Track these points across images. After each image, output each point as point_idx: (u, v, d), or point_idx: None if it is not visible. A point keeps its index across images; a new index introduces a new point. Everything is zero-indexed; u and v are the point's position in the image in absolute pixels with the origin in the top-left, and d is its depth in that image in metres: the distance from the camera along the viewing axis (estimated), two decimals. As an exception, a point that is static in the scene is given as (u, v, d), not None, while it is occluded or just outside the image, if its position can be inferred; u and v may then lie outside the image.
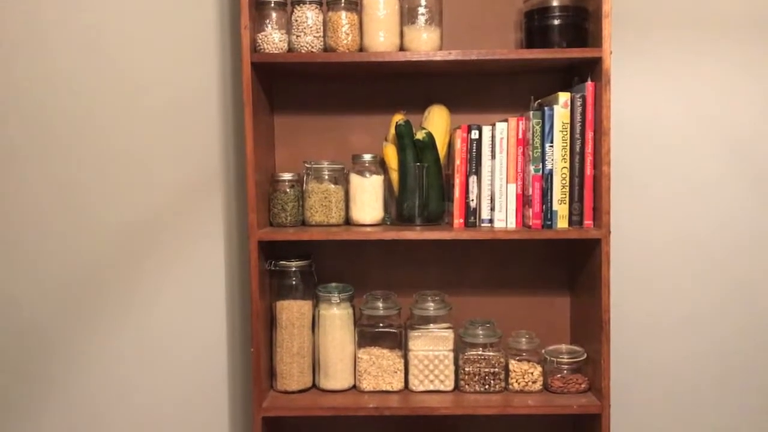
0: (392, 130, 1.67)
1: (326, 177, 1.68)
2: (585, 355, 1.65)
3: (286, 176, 1.68)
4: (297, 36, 1.61)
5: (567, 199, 1.59)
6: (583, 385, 1.64)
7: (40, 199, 1.81)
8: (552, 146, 1.58)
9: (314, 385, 1.69)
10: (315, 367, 1.69)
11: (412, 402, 1.61)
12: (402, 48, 1.62)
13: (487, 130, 1.62)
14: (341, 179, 1.70)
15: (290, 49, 1.61)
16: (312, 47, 1.60)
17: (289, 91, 1.78)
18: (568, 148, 1.59)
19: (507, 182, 1.62)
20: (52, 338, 1.83)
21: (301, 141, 1.78)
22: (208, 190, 1.82)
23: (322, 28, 1.61)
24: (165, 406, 1.84)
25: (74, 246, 1.82)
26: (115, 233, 1.82)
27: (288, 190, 1.67)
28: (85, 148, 1.81)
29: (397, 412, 1.60)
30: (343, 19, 1.59)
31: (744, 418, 1.85)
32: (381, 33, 1.60)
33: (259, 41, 1.59)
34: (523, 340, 1.69)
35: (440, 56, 1.56)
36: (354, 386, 1.68)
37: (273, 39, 1.59)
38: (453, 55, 1.55)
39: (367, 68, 1.66)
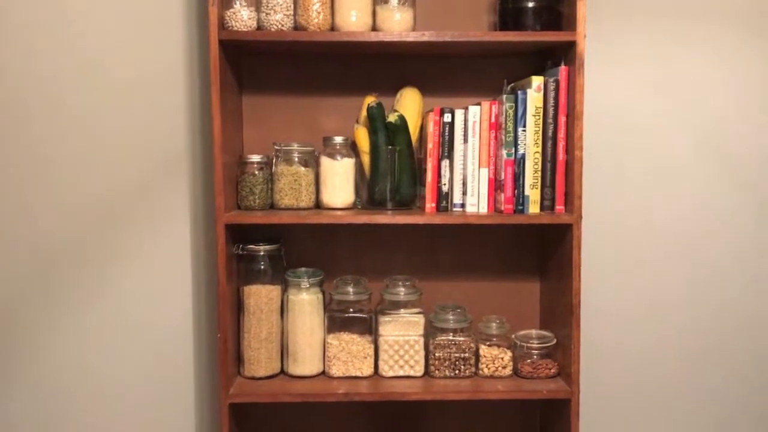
0: (364, 113, 1.64)
1: (296, 159, 1.65)
2: (555, 341, 1.66)
3: (255, 158, 1.64)
4: (266, 14, 1.56)
5: (539, 184, 1.58)
6: (552, 370, 1.64)
7: (3, 178, 1.75)
8: (525, 130, 1.57)
9: (282, 371, 1.67)
10: (283, 352, 1.67)
11: (382, 387, 1.60)
12: (374, 28, 1.58)
13: (459, 114, 1.60)
14: (311, 162, 1.66)
15: (259, 27, 1.57)
16: (282, 25, 1.56)
17: (257, 70, 1.73)
18: (540, 132, 1.57)
19: (479, 166, 1.61)
20: (16, 316, 1.77)
21: (270, 122, 1.74)
22: (174, 173, 1.77)
23: (292, 6, 1.57)
24: (130, 389, 1.80)
25: (39, 226, 1.76)
26: (80, 214, 1.77)
27: (257, 172, 1.63)
28: (48, 127, 1.75)
29: (367, 398, 1.58)
30: (314, -4, 1.54)
31: (713, 402, 1.88)
32: (353, 12, 1.56)
33: (227, 18, 1.54)
34: (494, 325, 1.68)
35: (413, 37, 1.53)
36: (323, 372, 1.66)
37: (241, 16, 1.54)
38: (426, 36, 1.52)
39: (339, 48, 1.63)
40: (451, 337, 1.64)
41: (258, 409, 1.75)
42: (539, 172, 1.58)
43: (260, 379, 1.63)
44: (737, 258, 1.85)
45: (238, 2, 1.55)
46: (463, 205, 1.62)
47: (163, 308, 1.79)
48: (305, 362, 1.65)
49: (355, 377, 1.64)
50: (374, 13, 1.58)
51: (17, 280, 1.77)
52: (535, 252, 1.78)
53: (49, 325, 1.78)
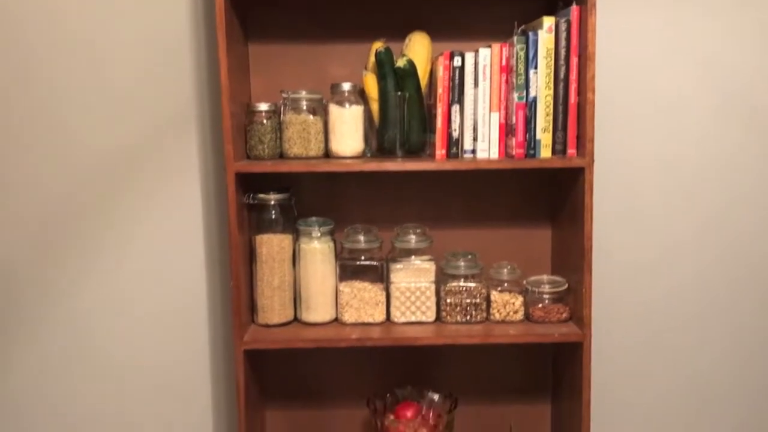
0: (372, 59, 1.62)
1: (304, 107, 1.63)
2: (566, 285, 1.66)
3: (263, 107, 1.63)
4: (271, -43, 1.53)
5: (551, 127, 1.56)
6: (564, 315, 1.65)
7: (12, 132, 1.75)
8: (536, 73, 1.55)
9: (296, 319, 1.68)
10: (296, 300, 1.68)
11: (394, 333, 1.62)
12: (381, -30, 1.55)
13: (469, 57, 1.57)
14: (320, 110, 1.65)
15: (264, -28, 1.54)
16: (287, -31, 1.53)
17: (263, 18, 1.71)
18: (552, 74, 1.55)
19: (490, 111, 1.58)
20: (28, 271, 1.79)
21: (277, 71, 1.72)
22: (183, 124, 1.77)
23: (297, -52, 1.54)
24: (145, 340, 1.83)
25: (48, 180, 1.77)
26: (89, 167, 1.77)
27: (265, 121, 1.62)
28: (54, 81, 1.74)
29: (379, 343, 1.60)
30: (320, -62, 1.51)
31: (723, 348, 1.88)
32: (359, -46, 1.53)
33: (231, -37, 1.52)
34: (505, 271, 1.68)
35: (421, -22, 1.50)
36: (336, 319, 1.68)
37: (246, -40, 1.52)
38: (434, -23, 1.49)
39: (346, -8, 1.60)
40: (462, 284, 1.65)
41: (272, 355, 1.77)
42: (551, 116, 1.56)
43: (274, 326, 1.65)
44: (751, 198, 1.83)
45: (242, -54, 1.52)
46: (473, 151, 1.60)
47: (176, 259, 1.80)
48: (318, 310, 1.66)
49: (368, 323, 1.65)
50: (381, -45, 1.55)
51: (28, 234, 1.79)
52: (547, 198, 1.77)
53: (62, 277, 1.80)
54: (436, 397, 1.72)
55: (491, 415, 1.82)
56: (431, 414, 1.68)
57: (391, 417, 1.67)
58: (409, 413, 1.68)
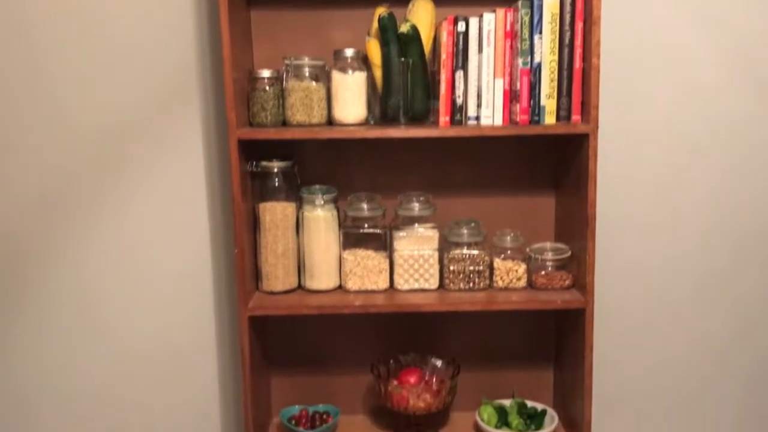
0: (375, 24, 1.60)
1: (307, 74, 1.62)
2: (569, 252, 1.66)
3: (265, 73, 1.62)
4: None
5: (555, 93, 1.55)
6: (567, 282, 1.66)
7: (11, 101, 1.74)
8: (541, 38, 1.53)
9: (300, 286, 1.69)
10: (300, 268, 1.69)
11: (398, 300, 1.62)
12: (384, -67, 1.53)
13: (474, 22, 1.55)
14: (322, 77, 1.63)
15: (265, -65, 1.52)
16: (289, -68, 1.51)
17: (265, -17, 1.69)
18: (557, 40, 1.53)
19: (494, 77, 1.57)
20: (29, 238, 1.80)
21: (279, 37, 1.70)
22: (185, 91, 1.75)
23: None
24: (150, 308, 1.84)
25: (51, 150, 1.76)
26: (90, 136, 1.77)
27: (267, 88, 1.61)
28: (54, 47, 1.73)
29: (383, 310, 1.61)
30: None
31: (725, 313, 1.89)
32: None
33: (232, -74, 1.49)
34: (508, 238, 1.69)
35: (425, -59, 1.48)
36: (339, 286, 1.68)
37: (246, -77, 1.49)
38: (438, -61, 1.47)
39: (348, -44, 1.58)
40: (465, 251, 1.65)
41: (276, 322, 1.79)
42: (555, 82, 1.54)
43: (278, 293, 1.66)
44: (756, 164, 1.82)
45: None
46: (477, 118, 1.60)
47: (180, 226, 1.81)
48: (321, 277, 1.67)
49: (371, 291, 1.66)
50: None
51: (29, 206, 1.79)
52: (551, 166, 1.76)
53: (66, 247, 1.81)
54: (439, 363, 1.74)
55: (494, 382, 1.84)
56: (434, 380, 1.70)
57: (395, 383, 1.68)
58: (412, 379, 1.70)
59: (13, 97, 1.75)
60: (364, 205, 1.68)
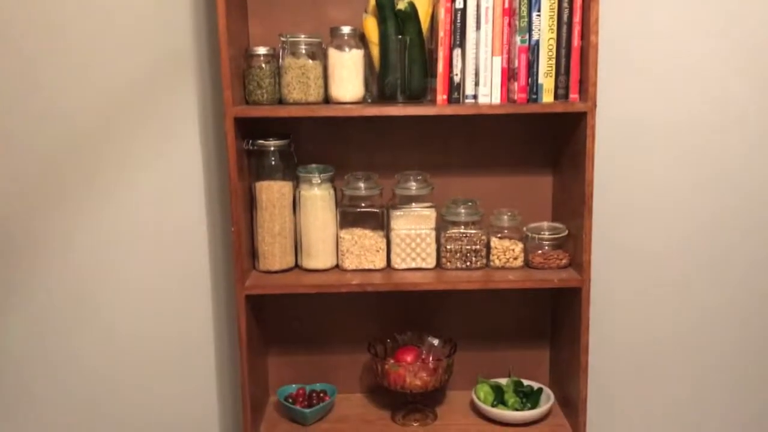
0: (372, 1, 1.58)
1: (303, 51, 1.60)
2: (566, 232, 1.66)
3: (261, 50, 1.60)
4: None
5: (553, 72, 1.54)
6: (563, 261, 1.66)
7: (4, 80, 1.73)
8: (539, 15, 1.52)
9: (297, 266, 1.69)
10: (297, 247, 1.69)
11: (395, 278, 1.63)
12: None
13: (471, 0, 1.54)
14: (319, 54, 1.62)
15: None
16: None
17: (261, -41, 1.67)
18: (555, 17, 1.52)
19: (492, 55, 1.56)
20: (28, 217, 1.80)
21: (276, 14, 1.69)
22: (181, 68, 1.74)
23: None
24: (146, 288, 1.84)
25: (46, 126, 1.75)
26: (85, 115, 1.75)
27: (263, 65, 1.60)
28: (53, 24, 1.71)
29: (380, 288, 1.61)
30: None
31: (724, 294, 1.89)
32: None
33: None
34: (505, 217, 1.68)
35: None
36: (336, 266, 1.69)
37: None
38: None
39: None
40: (462, 230, 1.65)
41: (273, 301, 1.79)
42: (554, 60, 1.54)
43: (275, 272, 1.66)
44: (755, 148, 1.82)
45: None
46: (475, 96, 1.59)
47: (177, 205, 1.80)
48: (318, 256, 1.67)
49: (368, 270, 1.66)
50: None
51: (23, 185, 1.78)
52: (548, 145, 1.76)
53: (60, 226, 1.80)
54: (435, 341, 1.74)
55: (490, 360, 1.85)
56: (431, 358, 1.71)
57: (392, 361, 1.69)
58: (409, 358, 1.71)
59: (4, 75, 1.73)
60: (361, 184, 1.67)
